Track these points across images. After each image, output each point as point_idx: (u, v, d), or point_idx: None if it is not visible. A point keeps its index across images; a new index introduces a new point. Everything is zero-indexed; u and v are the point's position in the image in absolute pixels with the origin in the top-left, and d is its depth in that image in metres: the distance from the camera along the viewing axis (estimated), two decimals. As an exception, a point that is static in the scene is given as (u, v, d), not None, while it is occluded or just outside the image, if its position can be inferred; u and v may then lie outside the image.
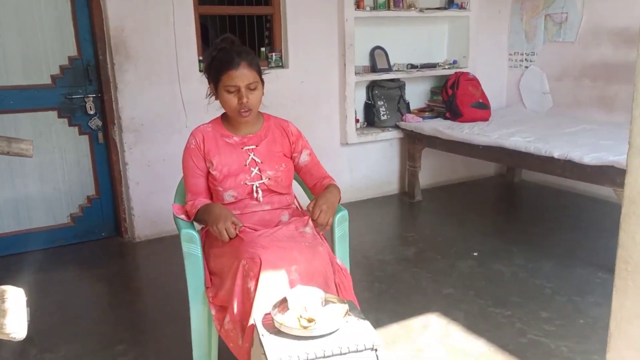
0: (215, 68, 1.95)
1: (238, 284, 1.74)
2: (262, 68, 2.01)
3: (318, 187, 2.11)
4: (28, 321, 0.86)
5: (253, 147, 2.03)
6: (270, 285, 1.71)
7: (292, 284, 1.72)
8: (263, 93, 2.00)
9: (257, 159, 2.01)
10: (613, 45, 4.13)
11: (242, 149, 2.03)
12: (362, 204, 4.43)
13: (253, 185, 1.99)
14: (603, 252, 3.29)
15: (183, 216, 2.02)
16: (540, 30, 4.66)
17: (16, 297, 0.83)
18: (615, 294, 1.26)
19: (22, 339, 0.85)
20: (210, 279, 1.96)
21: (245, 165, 2.00)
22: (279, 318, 1.56)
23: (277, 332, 1.54)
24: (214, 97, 2.03)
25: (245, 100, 1.91)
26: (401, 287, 2.94)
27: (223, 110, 2.04)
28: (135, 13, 3.46)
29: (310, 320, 1.54)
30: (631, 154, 1.15)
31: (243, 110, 1.93)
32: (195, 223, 2.03)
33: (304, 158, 2.12)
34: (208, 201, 2.01)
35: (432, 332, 2.47)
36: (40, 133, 3.46)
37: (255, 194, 2.00)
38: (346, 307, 1.61)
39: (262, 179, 2.00)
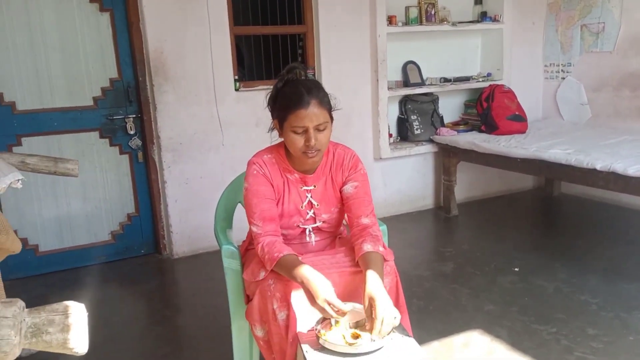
0: (282, 104, 1.77)
1: (265, 305, 1.71)
2: (332, 104, 1.81)
3: (356, 232, 1.84)
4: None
5: (312, 187, 1.88)
6: (305, 303, 1.64)
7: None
8: (331, 133, 1.81)
9: (314, 202, 1.88)
10: (654, 53, 4.03)
11: (301, 188, 1.87)
12: (397, 219, 4.40)
13: (306, 228, 1.90)
14: (651, 267, 3.17)
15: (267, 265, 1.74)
16: (577, 40, 4.58)
17: (78, 313, 0.85)
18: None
19: (83, 353, 0.87)
20: (247, 297, 1.96)
21: (302, 207, 1.88)
22: (323, 334, 1.55)
23: (322, 348, 1.53)
24: (276, 133, 1.84)
25: (313, 142, 1.72)
26: (440, 303, 2.90)
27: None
28: (174, 36, 3.56)
29: (355, 337, 1.53)
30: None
31: (310, 152, 1.74)
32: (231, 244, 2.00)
33: (347, 189, 1.89)
34: (284, 246, 1.75)
35: (474, 350, 2.42)
36: (83, 153, 3.57)
37: (308, 238, 1.91)
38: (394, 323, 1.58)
39: (315, 222, 1.91)
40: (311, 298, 1.57)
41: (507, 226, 4.16)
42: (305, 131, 1.72)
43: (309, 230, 1.91)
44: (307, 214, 1.88)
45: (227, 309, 2.02)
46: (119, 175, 3.71)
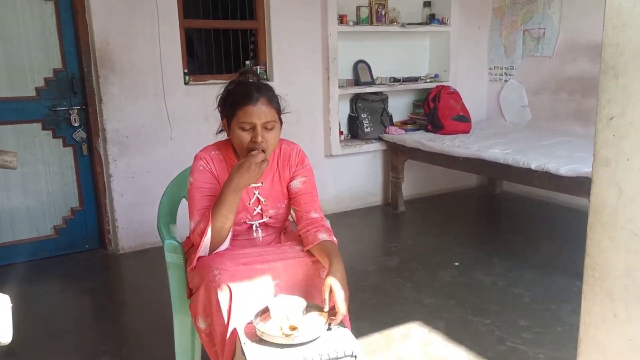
0: (231, 102, 1.78)
1: (209, 297, 1.71)
2: (282, 106, 1.84)
3: (304, 226, 1.87)
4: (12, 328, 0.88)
5: (259, 185, 1.89)
6: (249, 294, 1.70)
7: (274, 294, 1.74)
8: (279, 136, 1.84)
9: (261, 198, 1.90)
10: (589, 59, 4.26)
11: (248, 185, 1.82)
12: (346, 215, 4.48)
13: (253, 224, 1.92)
14: (580, 261, 3.32)
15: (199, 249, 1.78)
16: (519, 45, 4.78)
17: (2, 303, 0.86)
18: (584, 300, 1.31)
19: (7, 343, 0.88)
20: (190, 290, 1.94)
21: (250, 204, 1.89)
22: (261, 327, 1.58)
23: (259, 340, 1.57)
24: (225, 134, 1.87)
25: (259, 139, 1.73)
26: (383, 296, 2.98)
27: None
28: (121, 26, 3.50)
29: (292, 329, 1.57)
30: (595, 165, 1.22)
31: (256, 151, 1.73)
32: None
33: (295, 185, 1.92)
34: None
35: (413, 341, 2.51)
36: (24, 145, 3.46)
37: (255, 234, 1.92)
38: (326, 315, 1.64)
39: (262, 218, 1.92)
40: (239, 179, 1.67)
41: (451, 222, 4.31)
42: (253, 128, 1.74)
43: (256, 226, 1.92)
44: (255, 210, 1.90)
45: (170, 304, 2.02)
46: (62, 168, 3.62)
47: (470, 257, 3.50)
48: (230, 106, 1.78)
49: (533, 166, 3.21)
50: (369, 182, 4.74)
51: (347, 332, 1.62)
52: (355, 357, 1.56)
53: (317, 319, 1.63)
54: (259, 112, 1.73)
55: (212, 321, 1.74)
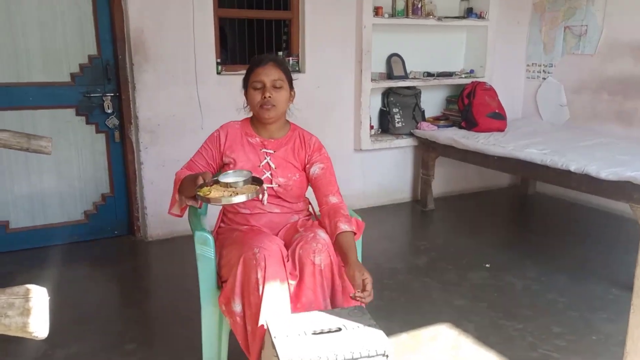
0: (248, 71, 2.05)
1: (248, 275, 1.78)
2: (292, 74, 2.09)
3: (325, 211, 2.00)
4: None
5: (271, 151, 2.06)
6: (276, 285, 1.76)
7: (289, 282, 1.82)
8: (292, 99, 2.10)
9: (271, 164, 2.04)
10: (633, 59, 4.09)
11: (260, 150, 2.06)
12: (374, 211, 4.42)
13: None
14: (617, 268, 3.25)
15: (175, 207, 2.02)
16: (559, 42, 4.63)
17: (40, 297, 0.84)
18: (633, 313, 1.25)
19: (43, 338, 0.86)
20: (221, 282, 1.97)
21: (259, 166, 2.03)
22: (205, 191, 1.78)
23: (288, 335, 1.55)
24: (248, 108, 2.09)
25: (268, 95, 1.97)
26: (411, 296, 2.93)
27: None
28: (156, 15, 3.49)
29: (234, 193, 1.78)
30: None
31: (265, 105, 1.98)
32: (197, 223, 2.05)
33: (314, 170, 2.07)
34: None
35: (441, 343, 2.45)
36: (58, 130, 3.50)
37: (260, 195, 1.99)
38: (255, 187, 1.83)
39: (271, 184, 2.02)
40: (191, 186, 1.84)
41: (482, 222, 4.22)
42: (263, 86, 1.98)
43: (264, 189, 2.00)
44: (264, 173, 2.03)
45: (198, 294, 2.01)
46: (94, 155, 3.65)
47: (501, 259, 3.41)
48: (247, 75, 2.05)
49: (572, 168, 3.10)
50: (398, 178, 4.67)
51: (379, 331, 1.59)
52: (387, 356, 1.53)
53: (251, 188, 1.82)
54: (268, 71, 1.99)
55: (249, 302, 1.76)
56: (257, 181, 1.88)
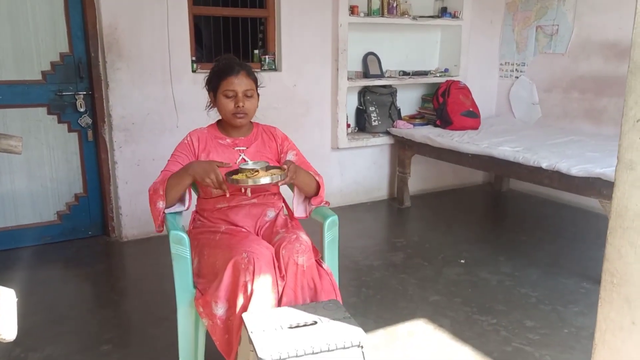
0: (216, 75, 2.08)
1: (237, 278, 1.78)
2: (268, 73, 2.20)
3: None
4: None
5: (244, 148, 2.15)
6: (266, 285, 1.78)
7: (278, 284, 1.83)
8: (257, 105, 2.15)
9: (247, 159, 2.10)
10: (603, 58, 4.19)
11: (234, 149, 2.15)
12: (352, 209, 4.44)
13: None
14: (588, 263, 3.33)
15: (159, 203, 1.98)
16: (532, 41, 4.71)
17: (7, 298, 0.83)
18: (601, 306, 1.28)
19: (11, 340, 0.85)
20: (196, 281, 1.98)
21: (236, 163, 2.09)
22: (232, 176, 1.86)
23: (265, 329, 1.56)
24: (212, 108, 2.16)
25: (241, 104, 2.04)
26: (388, 292, 2.95)
27: (218, 118, 2.17)
28: (129, 11, 3.45)
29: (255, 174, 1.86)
30: (619, 169, 1.17)
31: (239, 114, 2.06)
32: (172, 221, 2.03)
33: (290, 158, 2.19)
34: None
35: (417, 339, 2.48)
36: (29, 129, 3.43)
37: (243, 190, 2.04)
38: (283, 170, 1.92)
39: None
40: (203, 177, 1.86)
41: (457, 219, 4.27)
42: (235, 95, 2.04)
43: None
44: None
45: (174, 294, 1.99)
46: (66, 154, 3.59)
47: (476, 255, 3.46)
48: (216, 78, 2.07)
49: (544, 165, 3.16)
50: (375, 176, 4.70)
51: (353, 323, 1.62)
52: (362, 347, 1.55)
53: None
54: (240, 81, 2.04)
55: (236, 304, 1.76)
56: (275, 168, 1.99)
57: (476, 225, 4.26)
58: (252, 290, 1.75)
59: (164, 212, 1.98)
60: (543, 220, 4.24)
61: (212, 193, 2.07)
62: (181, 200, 2.05)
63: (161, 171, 2.08)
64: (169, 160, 2.11)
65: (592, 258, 3.40)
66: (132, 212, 3.70)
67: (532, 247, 3.63)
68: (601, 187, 2.91)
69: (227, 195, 2.01)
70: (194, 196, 2.22)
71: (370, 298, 2.89)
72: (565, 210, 4.41)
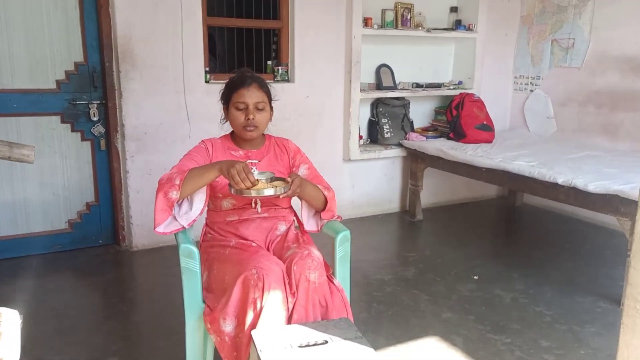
0: (228, 88, 2.08)
1: (246, 294, 1.75)
2: (271, 92, 2.12)
3: None
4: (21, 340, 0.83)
5: (256, 161, 2.11)
6: (275, 302, 1.75)
7: (288, 300, 1.80)
8: (271, 119, 2.12)
9: (254, 170, 2.04)
10: (619, 72, 4.14)
11: (246, 161, 2.05)
12: (363, 221, 4.40)
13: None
14: (604, 281, 3.25)
15: (164, 198, 1.87)
16: (547, 54, 4.67)
17: (11, 320, 0.80)
18: (623, 332, 1.23)
19: (14, 362, 0.82)
20: (205, 296, 1.95)
21: None
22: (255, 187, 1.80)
23: (274, 348, 1.53)
24: (227, 122, 2.13)
25: (252, 117, 2.01)
26: (399, 309, 2.90)
27: (231, 130, 2.16)
28: (144, 22, 3.46)
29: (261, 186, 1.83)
30: (644, 191, 1.13)
31: (249, 127, 2.03)
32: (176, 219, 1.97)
33: (302, 172, 2.15)
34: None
35: (429, 357, 2.43)
36: (42, 137, 3.44)
37: (253, 204, 2.04)
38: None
39: None
40: (227, 170, 1.79)
41: (470, 233, 4.21)
42: (246, 108, 2.02)
43: (255, 200, 2.05)
44: None
45: (183, 306, 1.96)
46: (79, 163, 3.60)
47: (489, 271, 3.40)
48: (228, 91, 2.07)
49: (560, 181, 3.11)
50: (387, 188, 4.66)
51: (364, 342, 1.58)
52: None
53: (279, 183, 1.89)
54: (252, 93, 2.02)
55: (245, 320, 1.73)
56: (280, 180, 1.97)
57: (489, 240, 4.20)
58: (261, 307, 1.72)
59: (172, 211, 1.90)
60: (558, 236, 4.17)
61: (222, 206, 2.04)
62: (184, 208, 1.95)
63: (173, 166, 2.00)
64: (182, 158, 2.04)
65: (609, 276, 3.32)
66: (143, 222, 3.69)
67: (547, 264, 3.56)
68: (619, 205, 2.84)
69: (234, 191, 1.89)
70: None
71: (382, 314, 2.84)
72: (580, 226, 4.33)
